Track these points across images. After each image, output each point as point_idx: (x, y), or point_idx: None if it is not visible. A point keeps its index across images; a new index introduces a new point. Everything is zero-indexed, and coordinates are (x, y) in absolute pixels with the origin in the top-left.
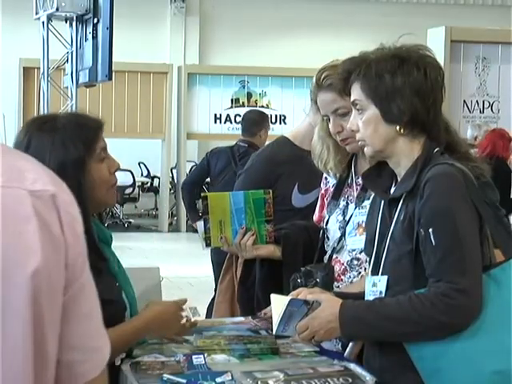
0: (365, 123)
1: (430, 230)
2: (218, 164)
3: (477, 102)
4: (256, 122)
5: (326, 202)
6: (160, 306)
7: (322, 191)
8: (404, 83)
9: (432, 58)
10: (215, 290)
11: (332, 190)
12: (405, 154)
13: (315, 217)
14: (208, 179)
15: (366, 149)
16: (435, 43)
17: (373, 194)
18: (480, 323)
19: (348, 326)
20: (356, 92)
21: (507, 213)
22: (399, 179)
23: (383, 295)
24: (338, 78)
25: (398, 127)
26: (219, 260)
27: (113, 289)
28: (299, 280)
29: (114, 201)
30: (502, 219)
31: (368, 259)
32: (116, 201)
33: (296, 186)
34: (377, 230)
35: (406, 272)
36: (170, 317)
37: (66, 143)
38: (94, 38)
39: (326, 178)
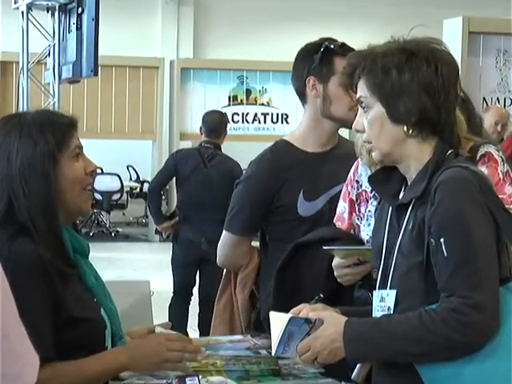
0: (370, 122)
1: (442, 239)
2: (186, 166)
3: (497, 99)
4: (221, 123)
5: (357, 208)
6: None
7: (353, 196)
8: (412, 79)
9: (445, 52)
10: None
11: (371, 193)
12: (415, 157)
13: (343, 224)
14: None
15: (373, 153)
16: (452, 35)
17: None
18: (498, 341)
19: (353, 345)
20: (361, 88)
21: None
22: (409, 184)
23: (391, 311)
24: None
25: (405, 127)
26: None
27: (88, 305)
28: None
29: (88, 207)
30: None
31: (376, 271)
32: (90, 208)
33: (301, 193)
34: (384, 239)
35: (416, 286)
36: (152, 353)
37: (34, 137)
38: (79, 29)
39: (357, 181)
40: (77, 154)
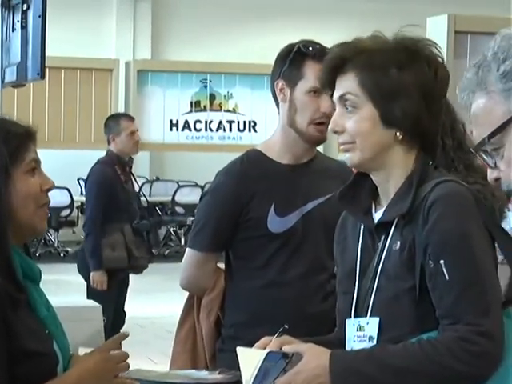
0: (358, 122)
1: (442, 261)
2: None
3: None
4: (106, 128)
5: None
6: (86, 361)
7: None
8: (412, 81)
9: (441, 57)
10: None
11: None
12: (398, 166)
13: None
14: None
15: (351, 155)
16: (436, 35)
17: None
18: (503, 371)
19: (342, 380)
20: (349, 84)
21: None
22: (383, 199)
23: (374, 341)
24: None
25: (397, 133)
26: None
27: (40, 338)
28: None
29: (43, 226)
30: None
31: (344, 297)
32: (46, 228)
33: (272, 207)
34: (357, 261)
35: (406, 313)
36: (101, 370)
37: None
38: (24, 27)
39: None
40: (32, 168)
